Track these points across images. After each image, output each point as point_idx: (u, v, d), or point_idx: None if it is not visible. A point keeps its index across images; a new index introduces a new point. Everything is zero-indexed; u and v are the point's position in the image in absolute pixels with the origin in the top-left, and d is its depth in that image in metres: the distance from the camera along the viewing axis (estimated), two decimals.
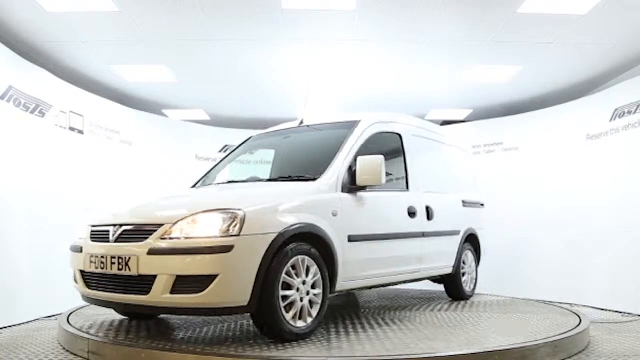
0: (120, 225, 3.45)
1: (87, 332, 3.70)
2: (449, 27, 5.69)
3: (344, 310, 4.94)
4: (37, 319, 5.10)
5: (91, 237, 3.64)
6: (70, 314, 4.57)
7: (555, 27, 5.62)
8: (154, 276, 3.15)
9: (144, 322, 4.21)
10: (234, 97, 8.25)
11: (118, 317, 4.45)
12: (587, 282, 6.36)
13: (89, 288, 3.60)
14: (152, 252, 3.18)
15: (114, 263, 3.32)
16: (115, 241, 3.40)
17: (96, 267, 3.45)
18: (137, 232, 3.34)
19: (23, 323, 4.89)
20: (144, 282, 3.19)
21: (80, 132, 6.38)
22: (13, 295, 4.94)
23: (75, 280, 3.76)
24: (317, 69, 6.95)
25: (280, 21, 5.51)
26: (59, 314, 4.76)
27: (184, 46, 6.19)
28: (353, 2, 5.06)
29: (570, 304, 5.68)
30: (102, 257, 3.41)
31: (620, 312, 5.65)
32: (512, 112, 8.49)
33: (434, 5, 5.18)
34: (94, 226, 3.68)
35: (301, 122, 4.98)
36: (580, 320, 4.28)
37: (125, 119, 7.30)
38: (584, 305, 5.90)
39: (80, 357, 3.54)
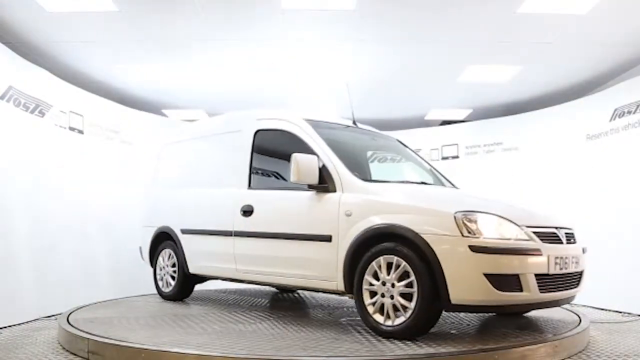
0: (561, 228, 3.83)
1: (87, 332, 3.70)
2: (449, 27, 5.69)
3: (351, 310, 4.94)
4: (37, 319, 5.09)
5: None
6: (70, 314, 4.57)
7: (555, 27, 5.62)
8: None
9: (144, 322, 4.21)
10: (234, 97, 8.24)
11: (118, 317, 4.45)
12: (587, 282, 6.35)
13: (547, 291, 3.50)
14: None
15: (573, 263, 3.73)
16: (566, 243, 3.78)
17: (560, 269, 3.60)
18: (571, 236, 3.92)
19: (23, 323, 4.89)
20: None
21: (80, 132, 6.38)
22: (13, 295, 4.94)
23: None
24: (317, 69, 6.96)
25: (281, 21, 5.51)
26: (59, 314, 4.76)
27: (184, 46, 6.19)
28: (353, 2, 5.07)
29: (570, 304, 5.66)
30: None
31: (620, 312, 5.65)
32: (512, 112, 8.49)
33: (433, 5, 5.18)
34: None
35: (354, 123, 5.06)
36: (580, 320, 4.29)
37: (125, 119, 7.29)
38: (584, 305, 5.89)
39: (80, 357, 3.54)
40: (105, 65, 6.77)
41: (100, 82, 7.33)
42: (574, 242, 3.93)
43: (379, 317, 3.58)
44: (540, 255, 3.42)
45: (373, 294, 3.64)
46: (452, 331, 3.82)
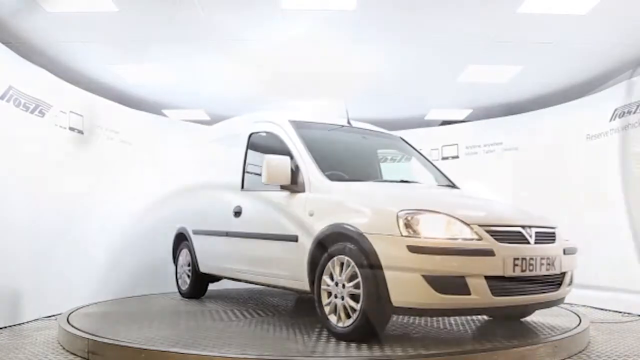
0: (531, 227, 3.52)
1: (87, 332, 3.71)
2: (449, 27, 5.69)
3: None
4: (37, 319, 5.10)
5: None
6: (70, 314, 4.58)
7: (555, 27, 5.62)
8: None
9: (144, 322, 4.21)
10: (234, 97, 8.24)
11: (118, 316, 4.45)
12: (588, 282, 6.36)
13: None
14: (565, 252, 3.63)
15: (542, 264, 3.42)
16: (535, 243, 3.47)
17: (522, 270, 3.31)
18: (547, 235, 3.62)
19: (23, 323, 4.89)
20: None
21: (80, 132, 6.37)
22: (13, 295, 4.94)
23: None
24: (317, 69, 6.95)
25: (280, 21, 5.51)
26: (59, 314, 4.77)
27: (184, 46, 6.18)
28: (353, 2, 5.06)
29: (570, 304, 5.67)
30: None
31: (620, 312, 5.65)
32: (512, 112, 8.48)
33: (433, 6, 5.17)
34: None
35: (349, 123, 5.06)
36: (580, 320, 4.29)
37: (125, 119, 7.29)
38: (584, 305, 5.90)
39: (80, 357, 3.54)
40: (106, 65, 6.75)
41: (100, 82, 7.32)
42: (550, 242, 3.61)
43: (332, 318, 3.56)
44: (493, 256, 3.20)
45: (329, 294, 3.61)
46: (454, 331, 3.82)
